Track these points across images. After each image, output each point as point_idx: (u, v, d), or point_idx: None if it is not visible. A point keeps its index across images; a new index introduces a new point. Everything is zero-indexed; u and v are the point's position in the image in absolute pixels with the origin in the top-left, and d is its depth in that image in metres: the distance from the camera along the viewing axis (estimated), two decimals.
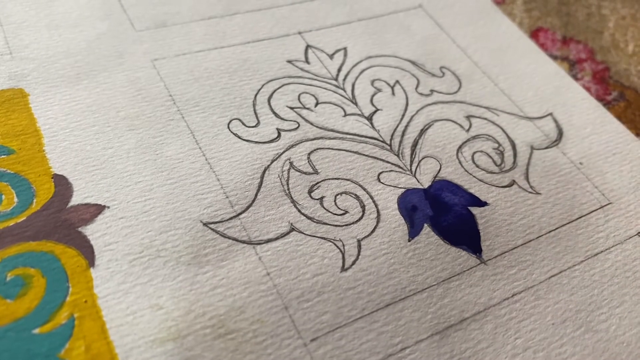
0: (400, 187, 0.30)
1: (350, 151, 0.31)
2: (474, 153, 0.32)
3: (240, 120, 0.31)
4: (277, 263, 0.26)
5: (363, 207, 0.29)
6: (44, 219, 0.25)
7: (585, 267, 0.28)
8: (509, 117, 0.35)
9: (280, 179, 0.29)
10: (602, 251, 0.29)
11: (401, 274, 0.26)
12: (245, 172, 0.29)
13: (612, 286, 0.28)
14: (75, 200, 0.26)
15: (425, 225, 0.28)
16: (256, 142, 0.30)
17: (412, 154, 0.32)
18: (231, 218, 0.27)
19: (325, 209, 0.28)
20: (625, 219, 0.31)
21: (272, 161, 0.30)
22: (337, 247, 0.27)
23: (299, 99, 0.33)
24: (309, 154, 0.30)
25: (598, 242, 0.30)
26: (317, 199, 0.28)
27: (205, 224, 0.27)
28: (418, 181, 0.30)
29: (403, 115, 0.34)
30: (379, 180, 0.30)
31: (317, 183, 0.29)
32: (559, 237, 0.29)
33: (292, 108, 0.33)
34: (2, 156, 0.27)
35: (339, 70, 0.35)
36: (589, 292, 0.27)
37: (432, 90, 0.36)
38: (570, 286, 0.28)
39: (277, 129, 0.31)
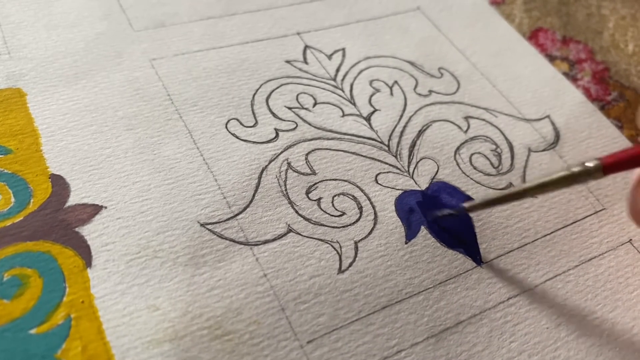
0: (398, 189, 0.30)
1: (348, 152, 0.31)
2: (472, 154, 0.32)
3: (238, 120, 0.31)
4: (274, 264, 0.26)
5: (360, 208, 0.29)
6: (41, 219, 0.25)
7: (580, 271, 0.28)
8: (507, 118, 0.35)
9: (278, 180, 0.29)
10: (595, 256, 0.29)
11: (398, 277, 0.27)
12: (242, 172, 0.29)
13: (605, 291, 0.28)
14: (73, 200, 0.26)
15: (422, 227, 0.28)
16: (254, 142, 0.30)
17: (410, 155, 0.32)
18: (229, 219, 0.27)
19: (322, 210, 0.28)
20: (618, 225, 0.31)
21: (270, 161, 0.30)
22: (334, 248, 0.27)
23: (297, 99, 0.33)
24: (307, 154, 0.30)
25: (592, 247, 0.30)
26: (314, 200, 0.29)
27: (202, 225, 0.27)
28: (415, 183, 0.30)
29: (401, 116, 0.34)
30: (377, 182, 0.30)
31: (315, 184, 0.29)
32: (554, 241, 0.29)
33: (290, 108, 0.33)
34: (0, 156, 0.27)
35: (338, 70, 0.35)
36: (583, 297, 0.28)
37: (430, 91, 0.35)
38: (564, 290, 0.28)
39: (275, 129, 0.31)
